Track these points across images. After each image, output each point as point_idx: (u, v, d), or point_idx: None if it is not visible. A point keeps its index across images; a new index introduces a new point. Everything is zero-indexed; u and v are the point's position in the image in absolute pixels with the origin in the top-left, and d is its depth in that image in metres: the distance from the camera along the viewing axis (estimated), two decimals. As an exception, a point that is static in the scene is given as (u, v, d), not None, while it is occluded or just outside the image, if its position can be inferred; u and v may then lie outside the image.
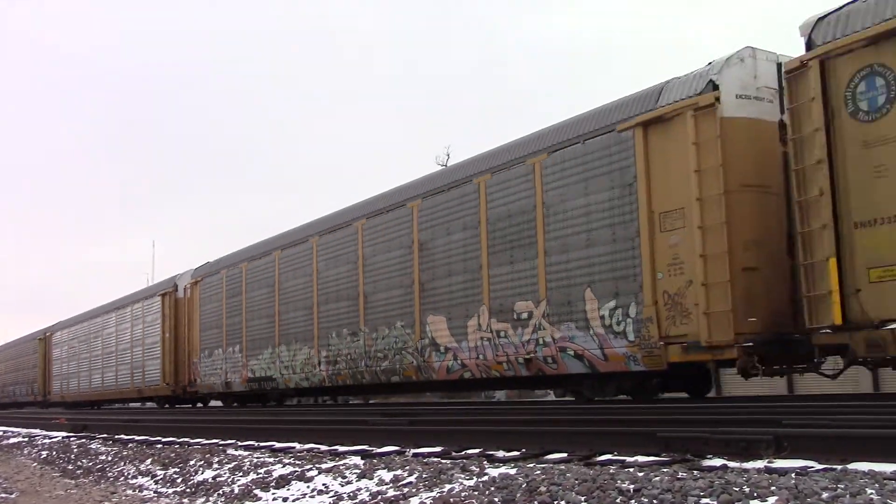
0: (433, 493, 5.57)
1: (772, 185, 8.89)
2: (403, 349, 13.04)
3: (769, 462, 5.15)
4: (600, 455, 6.27)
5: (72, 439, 15.54)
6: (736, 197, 8.73)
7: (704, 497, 4.32)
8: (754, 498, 4.19)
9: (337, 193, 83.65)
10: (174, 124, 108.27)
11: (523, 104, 75.88)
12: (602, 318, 9.89)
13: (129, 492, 8.63)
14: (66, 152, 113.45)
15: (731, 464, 5.25)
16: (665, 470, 5.20)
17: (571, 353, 10.37)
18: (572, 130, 10.69)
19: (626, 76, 72.29)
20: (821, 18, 8.17)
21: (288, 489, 6.88)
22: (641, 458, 5.79)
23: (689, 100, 9.10)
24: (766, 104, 9.06)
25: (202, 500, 7.45)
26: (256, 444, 10.17)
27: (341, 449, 8.47)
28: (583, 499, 4.72)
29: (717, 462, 5.38)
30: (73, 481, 10.15)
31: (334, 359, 14.62)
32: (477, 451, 7.24)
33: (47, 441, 16.04)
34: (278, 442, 9.97)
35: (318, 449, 8.79)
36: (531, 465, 6.01)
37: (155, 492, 8.40)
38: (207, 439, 11.73)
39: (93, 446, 13.26)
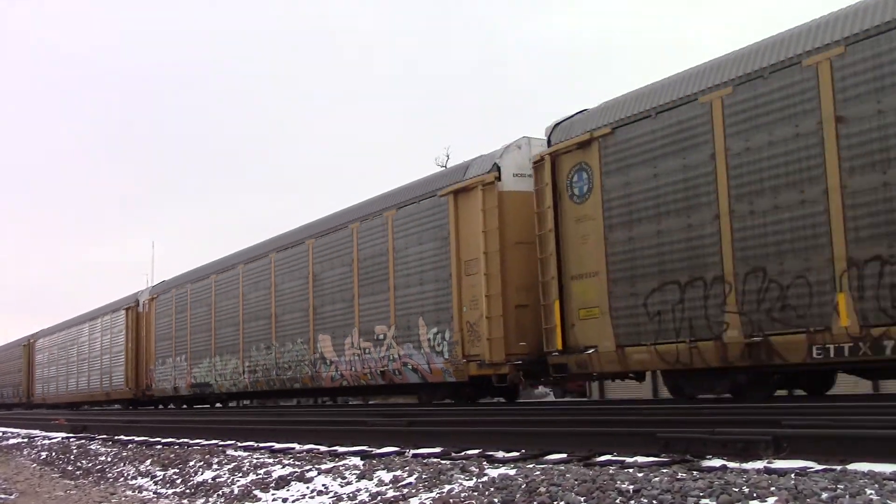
0: (433, 494, 5.57)
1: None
2: (301, 361, 15.98)
3: (768, 462, 5.16)
4: (600, 455, 6.27)
5: (71, 440, 15.54)
6: (510, 251, 11.48)
7: (704, 497, 4.32)
8: (754, 498, 4.20)
9: (337, 194, 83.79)
10: (174, 124, 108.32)
11: (523, 104, 75.93)
12: (429, 340, 12.71)
13: (129, 492, 8.63)
14: (65, 152, 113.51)
15: (731, 464, 5.25)
16: (664, 470, 5.20)
17: (410, 367, 13.18)
18: (412, 192, 13.54)
19: (626, 76, 72.37)
20: (557, 124, 10.98)
21: (287, 490, 6.89)
22: (641, 459, 5.79)
23: (480, 177, 11.82)
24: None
25: (202, 500, 7.45)
26: (256, 444, 10.17)
27: (341, 450, 8.47)
28: (582, 499, 4.73)
29: (717, 462, 5.38)
30: (72, 482, 10.15)
31: (254, 368, 17.69)
32: (476, 451, 7.24)
33: (47, 442, 16.05)
34: (278, 443, 9.97)
35: (318, 450, 8.79)
36: (531, 466, 6.02)
37: (154, 493, 8.40)
38: (207, 440, 11.73)
39: (92, 447, 13.27)
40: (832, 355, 7.84)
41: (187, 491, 8.05)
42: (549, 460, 6.35)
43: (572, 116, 10.90)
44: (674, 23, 79.89)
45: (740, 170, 8.63)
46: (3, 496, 8.89)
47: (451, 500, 5.31)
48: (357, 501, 6.01)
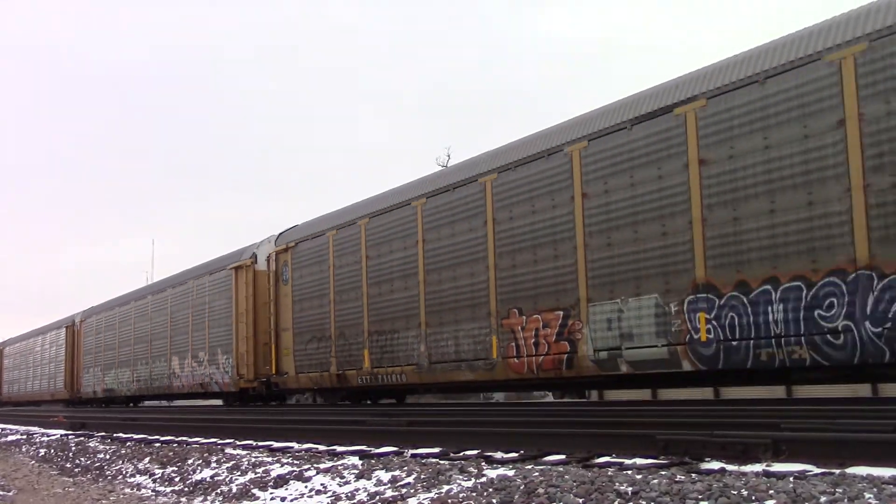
0: (431, 494, 5.57)
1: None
2: (163, 375, 21.90)
3: (767, 465, 5.16)
4: (599, 457, 6.27)
5: (70, 437, 15.54)
6: (259, 309, 17.11)
7: (703, 500, 4.32)
8: (752, 501, 4.19)
9: (337, 193, 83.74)
10: (174, 124, 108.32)
11: (524, 103, 75.98)
12: (223, 363, 18.27)
13: (127, 490, 8.63)
14: (65, 151, 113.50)
15: (730, 467, 5.25)
16: (663, 473, 5.20)
17: (215, 381, 18.72)
18: (216, 265, 19.21)
19: (627, 74, 72.33)
20: (281, 233, 16.74)
21: (286, 489, 6.88)
22: (640, 461, 5.79)
23: (245, 260, 17.55)
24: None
25: (200, 499, 7.45)
26: (255, 443, 10.18)
27: (339, 449, 8.47)
28: (581, 501, 4.72)
29: (716, 465, 5.38)
30: (71, 479, 10.15)
31: (139, 378, 23.91)
32: (475, 452, 7.24)
33: (45, 439, 16.05)
34: (276, 441, 9.97)
35: (317, 449, 8.79)
36: (529, 467, 6.01)
37: (153, 490, 8.40)
38: (206, 438, 11.74)
39: (91, 444, 13.27)
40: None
41: (186, 489, 8.04)
42: (547, 461, 6.35)
43: (290, 229, 16.72)
44: (674, 21, 79.95)
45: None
46: (1, 493, 8.89)
47: (449, 501, 5.31)
48: (355, 501, 6.00)
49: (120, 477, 9.69)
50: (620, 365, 9.18)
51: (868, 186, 7.28)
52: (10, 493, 8.87)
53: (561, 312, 9.86)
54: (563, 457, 6.45)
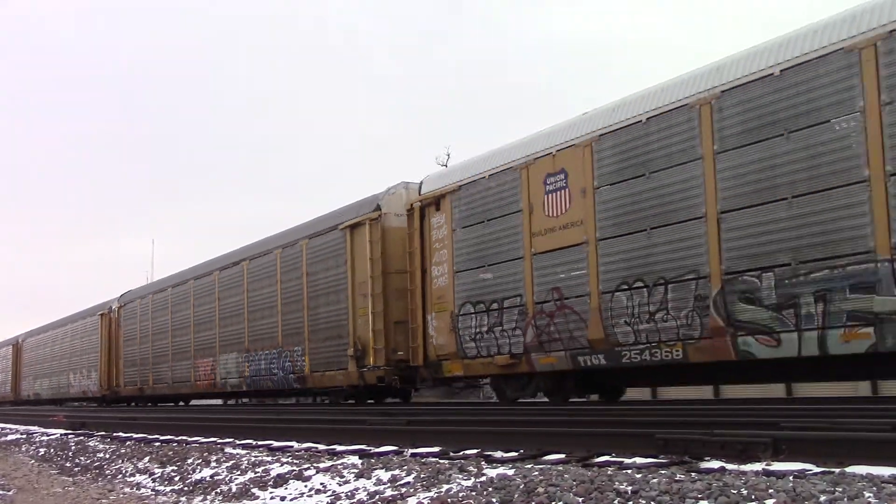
0: (431, 494, 5.57)
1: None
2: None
3: (767, 465, 5.15)
4: (598, 456, 6.27)
5: (70, 436, 15.53)
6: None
7: (702, 499, 4.32)
8: (752, 500, 4.19)
9: (337, 193, 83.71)
10: (174, 123, 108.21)
11: (525, 101, 75.95)
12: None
13: (127, 489, 8.63)
14: (66, 150, 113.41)
15: (729, 466, 5.25)
16: (663, 472, 5.20)
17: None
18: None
19: (627, 73, 72.31)
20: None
21: (286, 488, 6.88)
22: (639, 460, 5.79)
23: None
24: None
25: (200, 498, 7.44)
26: (254, 442, 10.17)
27: (339, 448, 8.47)
28: (580, 500, 4.72)
29: (716, 464, 5.37)
30: (70, 479, 10.15)
31: (58, 387, 32.59)
32: (475, 451, 7.24)
33: (45, 438, 16.04)
34: (276, 441, 9.96)
35: (316, 448, 8.79)
36: (529, 466, 6.01)
37: (153, 490, 8.40)
38: (205, 437, 11.73)
39: (91, 444, 13.27)
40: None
41: (185, 488, 8.04)
42: (547, 461, 6.35)
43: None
44: (674, 19, 79.86)
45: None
46: (1, 492, 8.89)
47: (449, 500, 5.31)
48: (355, 500, 6.00)
49: (119, 476, 9.68)
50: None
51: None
52: (10, 493, 8.87)
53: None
54: (562, 456, 6.45)
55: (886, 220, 7.72)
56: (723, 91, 9.20)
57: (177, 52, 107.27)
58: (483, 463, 6.52)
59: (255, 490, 7.11)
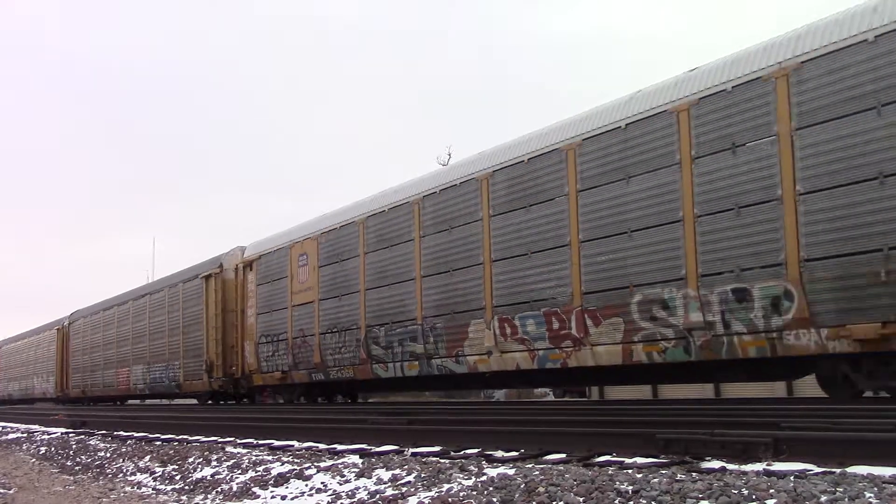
0: (431, 493, 5.57)
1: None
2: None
3: (768, 465, 5.15)
4: (599, 456, 6.27)
5: (70, 435, 15.54)
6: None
7: (703, 499, 4.32)
8: (753, 500, 4.19)
9: (337, 193, 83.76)
10: (175, 123, 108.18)
11: (526, 100, 75.92)
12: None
13: (128, 488, 8.63)
14: (66, 149, 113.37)
15: (730, 466, 5.25)
16: (664, 472, 5.19)
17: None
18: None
19: (627, 71, 72.27)
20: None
21: (286, 487, 6.88)
22: (640, 460, 5.79)
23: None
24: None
25: (200, 497, 7.45)
26: (255, 441, 10.17)
27: (340, 447, 8.47)
28: (581, 500, 4.72)
29: (716, 464, 5.37)
30: (71, 477, 10.15)
31: (26, 389, 35.86)
32: (476, 450, 7.24)
33: (46, 437, 16.05)
34: (277, 440, 9.97)
35: (317, 447, 8.79)
36: (530, 466, 6.01)
37: (153, 489, 8.40)
38: (206, 436, 11.74)
39: (91, 442, 13.27)
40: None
41: (186, 487, 8.04)
42: (548, 460, 6.35)
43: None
44: (674, 17, 79.81)
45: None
46: (1, 490, 8.89)
47: (449, 500, 5.31)
48: (356, 500, 6.00)
49: (120, 475, 9.69)
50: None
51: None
52: (11, 491, 8.87)
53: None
54: (563, 456, 6.45)
55: (420, 302, 13.12)
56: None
57: (178, 52, 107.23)
58: (484, 462, 6.52)
59: (255, 489, 7.12)
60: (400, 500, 5.64)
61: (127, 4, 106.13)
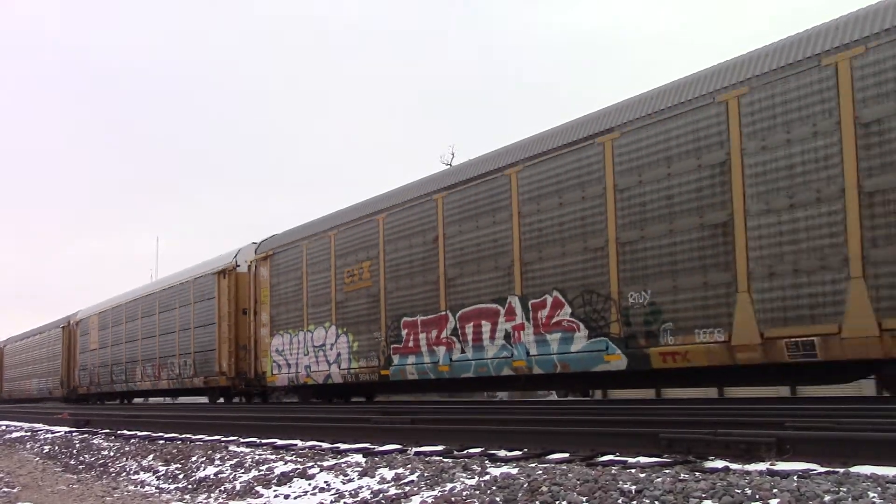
0: (434, 492, 5.57)
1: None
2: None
3: (771, 464, 5.15)
4: (602, 455, 6.27)
5: (74, 434, 15.57)
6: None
7: (706, 499, 4.31)
8: (756, 500, 4.19)
9: (337, 192, 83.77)
10: (175, 123, 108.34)
11: (527, 99, 75.89)
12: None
13: (131, 487, 8.64)
14: (67, 149, 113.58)
15: (734, 466, 5.24)
16: (667, 471, 5.19)
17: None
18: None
19: (629, 70, 72.21)
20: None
21: (290, 486, 6.89)
22: (643, 459, 5.79)
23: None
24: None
25: (204, 496, 7.45)
26: (258, 440, 10.19)
27: (343, 447, 8.48)
28: (584, 499, 4.72)
29: (720, 464, 5.37)
30: (74, 476, 10.17)
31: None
32: (479, 450, 7.24)
33: (49, 436, 16.08)
34: (280, 439, 9.98)
35: (320, 446, 8.80)
36: (533, 465, 6.01)
37: (157, 488, 8.42)
38: (209, 436, 11.75)
39: (95, 441, 13.29)
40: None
41: (189, 486, 8.05)
42: (551, 460, 6.35)
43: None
44: (674, 16, 79.76)
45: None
46: (5, 489, 8.91)
47: (452, 499, 5.31)
48: (359, 499, 6.00)
49: (124, 474, 9.70)
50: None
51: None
52: (15, 490, 8.89)
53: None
54: (566, 455, 6.45)
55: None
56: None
57: (179, 52, 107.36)
58: (487, 462, 6.52)
59: (258, 488, 7.12)
60: (403, 500, 5.64)
61: (127, 4, 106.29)
